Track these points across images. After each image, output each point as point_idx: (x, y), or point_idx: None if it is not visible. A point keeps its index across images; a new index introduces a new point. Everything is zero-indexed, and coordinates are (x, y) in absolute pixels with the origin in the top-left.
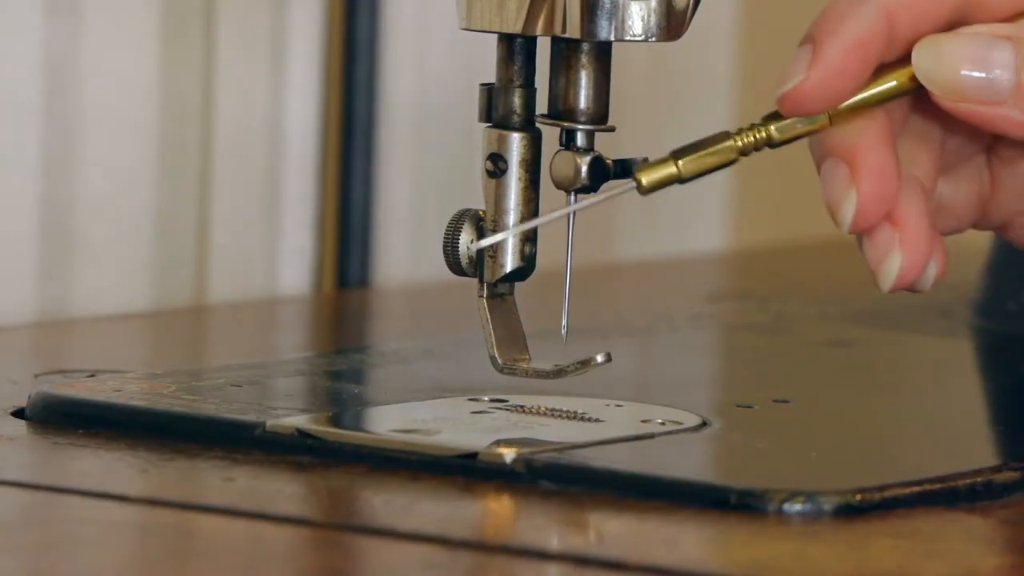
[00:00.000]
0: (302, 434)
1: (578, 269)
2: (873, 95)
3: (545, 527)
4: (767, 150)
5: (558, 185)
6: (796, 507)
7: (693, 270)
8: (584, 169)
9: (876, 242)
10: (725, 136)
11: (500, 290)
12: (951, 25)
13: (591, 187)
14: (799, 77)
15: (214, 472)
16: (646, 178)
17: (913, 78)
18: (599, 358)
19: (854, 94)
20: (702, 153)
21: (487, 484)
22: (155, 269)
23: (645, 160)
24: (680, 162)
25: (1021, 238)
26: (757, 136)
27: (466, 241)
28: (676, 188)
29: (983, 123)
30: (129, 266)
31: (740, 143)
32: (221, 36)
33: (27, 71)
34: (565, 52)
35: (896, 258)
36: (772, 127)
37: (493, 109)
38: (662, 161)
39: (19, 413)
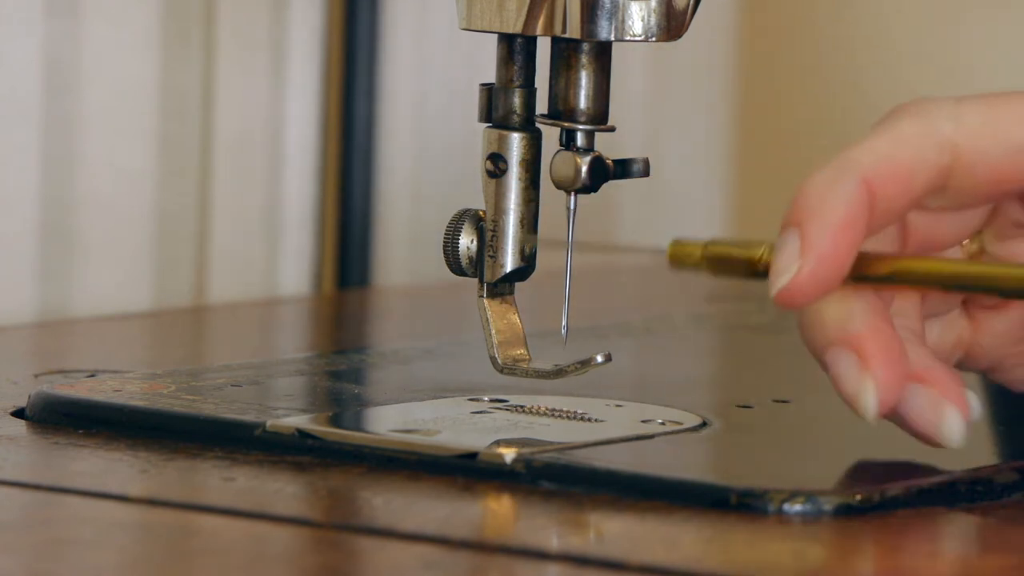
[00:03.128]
0: (302, 434)
1: (578, 269)
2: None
3: (545, 527)
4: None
5: (558, 185)
6: (796, 507)
7: None
8: (584, 169)
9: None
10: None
11: (500, 290)
12: (933, 191)
13: (591, 187)
14: (792, 270)
15: (214, 472)
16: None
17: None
18: (599, 358)
19: (845, 276)
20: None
21: (487, 484)
22: (155, 269)
23: (647, 162)
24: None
25: (1010, 381)
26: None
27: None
28: (673, 186)
29: None
30: (129, 266)
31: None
32: (221, 36)
33: (27, 71)
34: (565, 52)
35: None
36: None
37: (493, 109)
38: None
39: (19, 413)
